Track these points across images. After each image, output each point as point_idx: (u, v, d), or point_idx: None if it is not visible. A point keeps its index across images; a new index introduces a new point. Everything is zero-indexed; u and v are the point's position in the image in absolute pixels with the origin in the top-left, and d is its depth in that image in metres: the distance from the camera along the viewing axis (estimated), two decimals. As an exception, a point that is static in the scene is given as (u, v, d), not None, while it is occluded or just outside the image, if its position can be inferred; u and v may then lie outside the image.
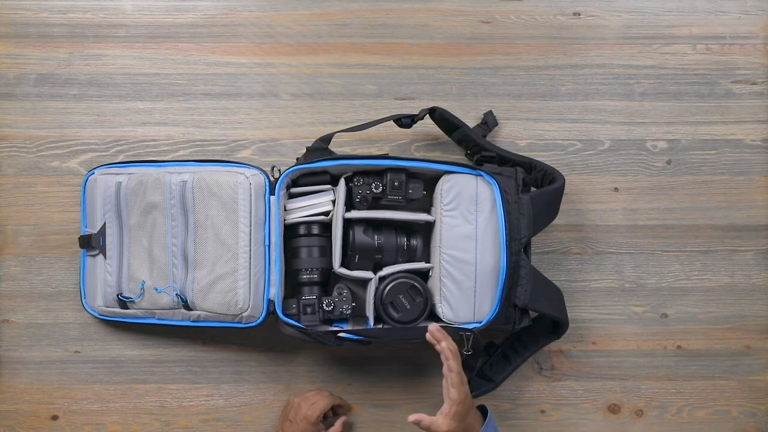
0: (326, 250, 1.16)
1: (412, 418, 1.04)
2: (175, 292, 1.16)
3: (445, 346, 1.04)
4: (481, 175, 1.14)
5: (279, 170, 1.17)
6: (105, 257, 1.21)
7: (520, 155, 1.23)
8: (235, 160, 1.21)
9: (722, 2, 1.30)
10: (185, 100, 1.28)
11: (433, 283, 1.15)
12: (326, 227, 1.17)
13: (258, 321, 1.16)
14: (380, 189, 1.15)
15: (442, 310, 1.13)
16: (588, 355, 1.29)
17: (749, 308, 1.30)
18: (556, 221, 1.21)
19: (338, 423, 1.21)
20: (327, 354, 1.27)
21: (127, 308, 1.21)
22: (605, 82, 1.30)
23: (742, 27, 1.30)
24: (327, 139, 1.18)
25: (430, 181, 1.18)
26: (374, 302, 1.14)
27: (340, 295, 1.15)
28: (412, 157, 1.19)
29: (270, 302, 1.15)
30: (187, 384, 1.27)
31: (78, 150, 1.27)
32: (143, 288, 1.19)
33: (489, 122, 1.26)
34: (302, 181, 1.17)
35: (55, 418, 1.27)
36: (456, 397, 1.03)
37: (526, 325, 1.14)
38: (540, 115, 1.29)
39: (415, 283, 1.13)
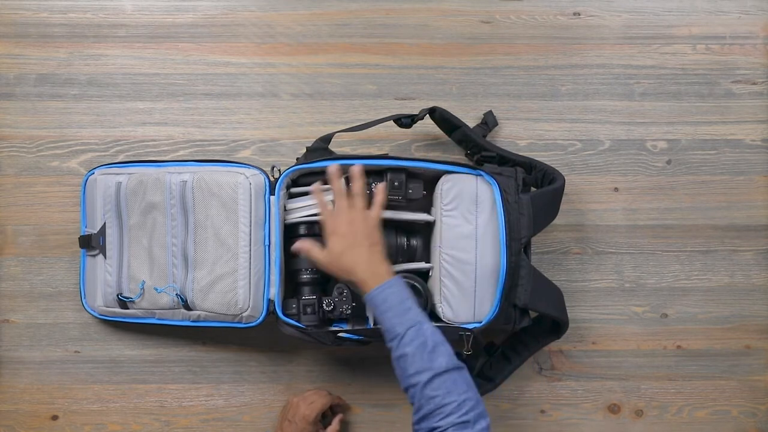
0: (326, 250, 1.16)
1: (295, 246, 1.08)
2: (175, 292, 1.16)
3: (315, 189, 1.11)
4: (481, 175, 1.14)
5: (279, 170, 1.17)
6: (105, 257, 1.21)
7: (520, 155, 1.23)
8: (235, 160, 1.21)
9: (722, 2, 1.30)
10: (185, 100, 1.28)
11: (433, 283, 1.15)
12: (326, 227, 1.17)
13: (258, 321, 1.16)
14: (380, 189, 1.15)
15: (442, 310, 1.13)
16: (588, 355, 1.29)
17: (749, 308, 1.30)
18: (556, 221, 1.21)
19: (335, 421, 1.21)
20: (327, 354, 1.27)
21: (127, 308, 1.21)
22: (605, 82, 1.30)
23: (742, 27, 1.30)
24: (327, 139, 1.18)
25: (430, 181, 1.17)
26: (374, 302, 1.14)
27: (340, 295, 1.15)
28: (412, 157, 1.19)
29: (270, 302, 1.15)
30: (187, 384, 1.27)
31: (78, 150, 1.27)
32: (143, 288, 1.19)
33: (489, 122, 1.26)
34: (302, 181, 1.17)
35: (55, 418, 1.27)
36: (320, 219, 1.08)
37: (526, 325, 1.14)
38: (540, 115, 1.29)
39: (415, 283, 1.13)
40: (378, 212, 1.09)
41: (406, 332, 0.96)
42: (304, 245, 1.08)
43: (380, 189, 1.10)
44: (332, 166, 1.10)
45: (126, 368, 1.27)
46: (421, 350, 0.94)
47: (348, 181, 1.16)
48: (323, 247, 1.07)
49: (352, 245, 1.04)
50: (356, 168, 1.09)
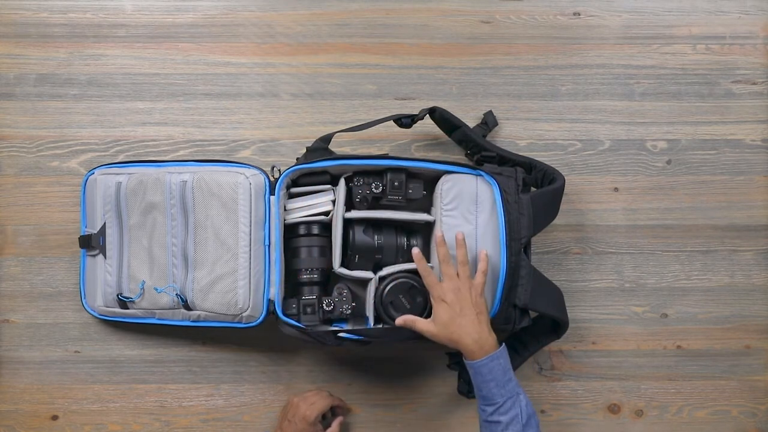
0: (326, 250, 1.16)
1: (398, 320, 1.07)
2: (175, 292, 1.16)
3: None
4: (481, 175, 1.14)
5: (279, 170, 1.17)
6: (105, 257, 1.21)
7: (520, 155, 1.23)
8: (235, 160, 1.21)
9: (722, 2, 1.30)
10: (185, 100, 1.28)
11: (433, 283, 1.15)
12: (326, 227, 1.17)
13: (258, 321, 1.16)
14: (380, 189, 1.15)
15: (442, 310, 1.13)
16: (588, 355, 1.29)
17: (749, 308, 1.30)
18: (556, 221, 1.21)
19: (335, 424, 1.21)
20: (327, 354, 1.27)
21: (127, 308, 1.21)
22: (605, 82, 1.30)
23: (742, 27, 1.30)
24: (327, 139, 1.18)
25: (430, 181, 1.18)
26: (374, 302, 1.14)
27: (340, 295, 1.15)
28: (412, 157, 1.19)
29: (270, 302, 1.15)
30: (187, 384, 1.27)
31: (78, 150, 1.27)
32: (143, 288, 1.19)
33: (489, 122, 1.26)
34: (302, 181, 1.17)
35: (55, 418, 1.27)
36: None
37: (526, 325, 1.14)
38: (540, 115, 1.29)
39: (415, 283, 1.13)
40: (482, 280, 1.07)
41: (504, 402, 1.01)
42: (407, 318, 1.07)
43: (483, 257, 1.09)
44: (438, 234, 1.09)
45: (126, 368, 1.27)
46: (515, 421, 1.01)
47: (347, 181, 1.16)
48: (426, 318, 1.06)
49: (459, 314, 1.04)
50: (459, 235, 1.08)
